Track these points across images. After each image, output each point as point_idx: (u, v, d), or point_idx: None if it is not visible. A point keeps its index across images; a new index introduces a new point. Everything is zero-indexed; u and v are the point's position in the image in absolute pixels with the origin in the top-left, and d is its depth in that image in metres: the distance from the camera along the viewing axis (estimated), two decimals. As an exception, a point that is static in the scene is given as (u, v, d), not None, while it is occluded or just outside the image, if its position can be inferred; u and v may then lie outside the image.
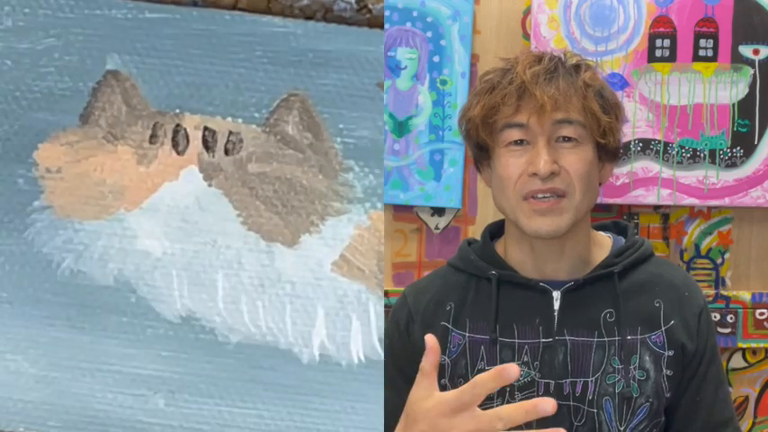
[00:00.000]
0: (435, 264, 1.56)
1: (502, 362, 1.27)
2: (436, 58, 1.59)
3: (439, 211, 1.59)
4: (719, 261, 1.62)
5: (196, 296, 0.71)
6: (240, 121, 0.72)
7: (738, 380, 1.55)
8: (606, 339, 1.28)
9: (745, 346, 1.59)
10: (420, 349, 1.23)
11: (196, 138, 0.71)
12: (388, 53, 1.58)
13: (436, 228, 1.58)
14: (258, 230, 0.72)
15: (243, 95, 0.71)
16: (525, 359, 1.29)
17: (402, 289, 1.54)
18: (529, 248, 1.29)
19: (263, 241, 0.72)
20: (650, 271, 1.33)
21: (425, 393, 0.97)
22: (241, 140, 0.71)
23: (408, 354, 1.28)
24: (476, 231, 1.56)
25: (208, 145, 0.71)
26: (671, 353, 1.28)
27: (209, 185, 0.71)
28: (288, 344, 0.72)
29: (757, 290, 1.60)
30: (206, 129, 0.71)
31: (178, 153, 0.71)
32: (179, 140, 0.71)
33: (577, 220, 1.26)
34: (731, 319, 1.57)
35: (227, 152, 0.71)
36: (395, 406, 1.18)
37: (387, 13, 1.56)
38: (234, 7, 0.72)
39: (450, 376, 1.29)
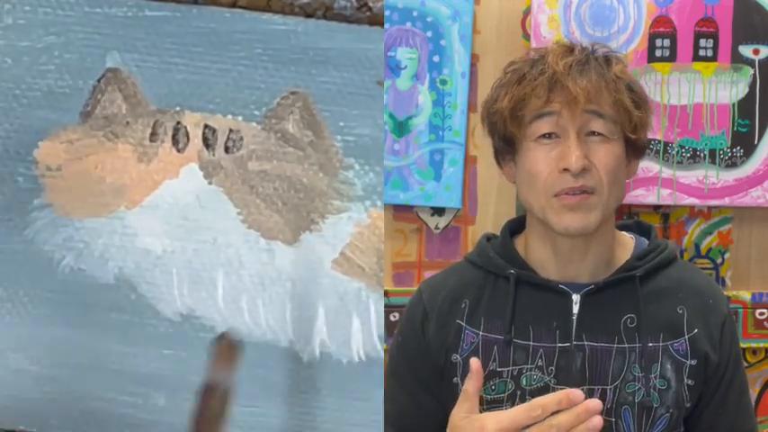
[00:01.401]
0: (435, 264, 1.55)
1: (514, 364, 1.24)
2: (436, 58, 1.58)
3: (439, 211, 1.58)
4: (719, 261, 1.62)
5: (196, 294, 0.71)
6: (240, 118, 0.72)
7: (740, 381, 1.54)
8: (626, 346, 1.24)
9: (745, 346, 1.57)
10: (433, 347, 1.21)
11: (196, 136, 0.71)
12: (388, 53, 1.58)
13: (436, 228, 1.58)
14: (258, 228, 0.72)
15: (243, 93, 0.71)
16: (540, 363, 1.24)
17: (402, 289, 1.54)
18: (552, 247, 1.22)
19: (264, 239, 0.72)
20: (673, 276, 1.24)
21: (465, 415, 1.01)
22: (241, 138, 0.71)
23: (423, 353, 1.25)
24: (476, 231, 1.56)
25: (208, 143, 0.71)
26: (693, 362, 1.24)
27: (210, 183, 0.71)
28: (288, 342, 0.72)
29: (757, 290, 1.59)
30: (206, 126, 0.71)
31: (178, 151, 0.71)
32: (179, 138, 0.71)
33: (606, 217, 1.21)
34: None
35: (227, 150, 0.71)
36: (405, 406, 1.17)
37: (387, 12, 1.56)
38: (234, 5, 0.71)
39: (462, 375, 1.25)
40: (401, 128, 1.60)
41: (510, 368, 1.24)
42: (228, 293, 0.71)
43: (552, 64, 1.19)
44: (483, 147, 1.52)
